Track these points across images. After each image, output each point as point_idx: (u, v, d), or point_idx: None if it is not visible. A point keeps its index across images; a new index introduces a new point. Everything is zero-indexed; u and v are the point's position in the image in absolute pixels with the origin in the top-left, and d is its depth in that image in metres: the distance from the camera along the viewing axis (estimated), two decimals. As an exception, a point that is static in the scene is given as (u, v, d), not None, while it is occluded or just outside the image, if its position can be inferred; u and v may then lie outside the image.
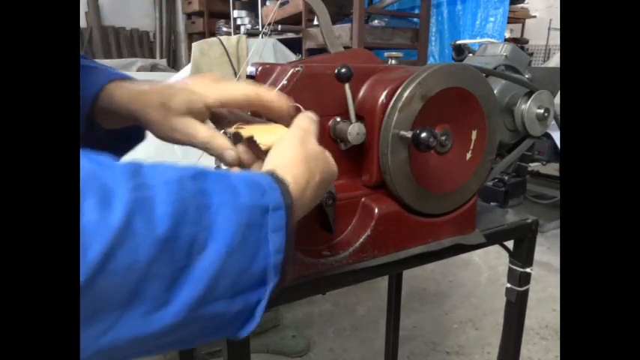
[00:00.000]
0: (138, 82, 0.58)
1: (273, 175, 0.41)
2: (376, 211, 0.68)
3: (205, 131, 0.52)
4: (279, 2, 2.99)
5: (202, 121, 0.53)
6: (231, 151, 0.51)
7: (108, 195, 0.30)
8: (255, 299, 0.38)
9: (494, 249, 1.01)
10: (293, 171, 0.44)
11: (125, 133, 0.61)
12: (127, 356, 0.34)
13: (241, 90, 0.53)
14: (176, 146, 0.59)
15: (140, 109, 0.54)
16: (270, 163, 0.46)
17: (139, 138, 0.63)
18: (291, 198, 0.41)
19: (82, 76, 0.58)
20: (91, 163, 0.32)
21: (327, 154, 0.52)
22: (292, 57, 2.38)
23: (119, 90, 0.57)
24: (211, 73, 0.56)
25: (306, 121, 0.53)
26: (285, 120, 0.55)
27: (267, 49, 2.20)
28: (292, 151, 0.47)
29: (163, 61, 4.39)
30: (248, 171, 0.43)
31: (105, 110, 0.57)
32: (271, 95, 0.53)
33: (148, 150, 0.63)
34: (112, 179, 0.31)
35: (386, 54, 0.77)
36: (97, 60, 0.66)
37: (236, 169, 0.51)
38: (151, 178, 0.33)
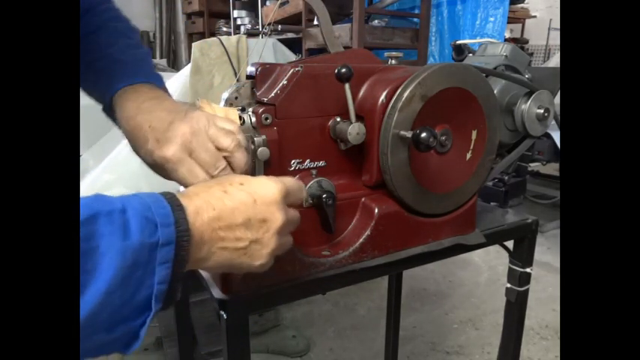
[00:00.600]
0: (138, 99, 0.62)
1: (171, 202, 0.42)
2: (376, 211, 0.68)
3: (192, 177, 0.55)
4: (279, 2, 2.99)
5: None
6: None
7: None
8: (139, 323, 0.40)
9: (494, 249, 1.01)
10: (200, 199, 0.45)
11: None
12: None
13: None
14: None
15: (133, 140, 0.60)
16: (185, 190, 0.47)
17: None
18: (186, 225, 0.42)
19: (110, 70, 0.65)
20: None
21: (251, 178, 0.50)
22: (292, 57, 2.38)
23: (124, 102, 0.62)
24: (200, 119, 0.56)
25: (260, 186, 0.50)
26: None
27: (267, 49, 2.19)
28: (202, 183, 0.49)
29: (163, 61, 4.39)
30: (151, 195, 0.43)
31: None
32: (227, 143, 0.55)
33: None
34: None
35: (386, 54, 0.77)
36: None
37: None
38: None
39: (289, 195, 0.51)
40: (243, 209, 0.46)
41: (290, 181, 0.52)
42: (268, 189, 0.48)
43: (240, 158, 0.55)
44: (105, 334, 0.38)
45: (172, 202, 0.43)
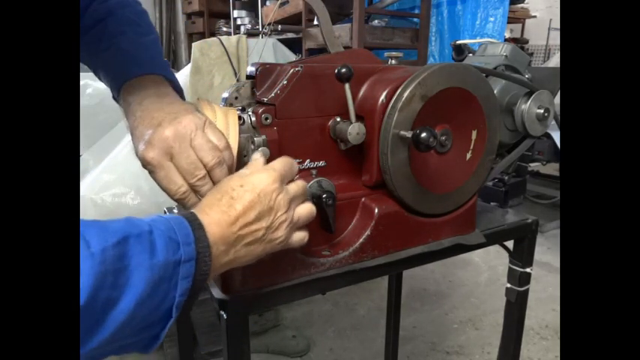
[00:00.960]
0: (141, 94, 0.62)
1: (192, 223, 0.47)
2: (376, 211, 0.68)
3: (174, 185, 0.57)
4: (279, 2, 2.99)
5: None
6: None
7: None
8: (161, 328, 0.45)
9: (494, 249, 1.01)
10: (207, 204, 0.51)
11: None
12: None
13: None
14: None
15: (132, 136, 0.60)
16: (199, 205, 0.52)
17: None
18: (207, 241, 0.47)
19: (117, 62, 0.66)
20: None
21: (245, 174, 0.54)
22: (292, 57, 2.38)
23: (128, 96, 0.63)
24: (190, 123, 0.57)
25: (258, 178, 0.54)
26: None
27: (267, 49, 2.20)
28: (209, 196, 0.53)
29: (163, 61, 4.38)
30: (174, 217, 0.47)
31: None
32: (208, 159, 0.56)
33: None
34: None
35: (386, 54, 0.77)
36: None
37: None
38: None
39: (283, 176, 0.55)
40: (252, 206, 0.51)
41: (280, 164, 0.56)
42: (264, 180, 0.53)
43: (219, 176, 0.56)
44: (131, 338, 0.43)
45: (193, 222, 0.47)
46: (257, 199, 0.51)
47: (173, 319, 0.45)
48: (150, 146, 0.55)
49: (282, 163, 0.56)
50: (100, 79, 0.72)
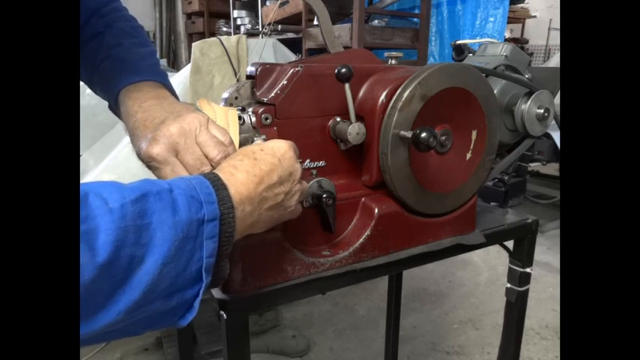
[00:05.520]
0: (140, 97, 0.63)
1: (214, 183, 0.46)
2: (376, 211, 0.68)
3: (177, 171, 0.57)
4: (279, 2, 2.99)
5: None
6: None
7: None
8: (193, 294, 0.44)
9: (494, 249, 1.01)
10: (232, 165, 0.50)
11: None
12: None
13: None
14: None
15: (131, 137, 0.61)
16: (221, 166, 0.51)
17: None
18: (230, 202, 0.46)
19: (115, 70, 0.66)
20: None
21: (264, 142, 0.55)
22: (292, 57, 2.38)
23: (127, 100, 0.63)
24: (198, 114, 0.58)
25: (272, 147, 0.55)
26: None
27: (267, 49, 2.20)
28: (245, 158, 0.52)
29: (163, 61, 4.39)
30: (195, 177, 0.46)
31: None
32: (214, 154, 0.56)
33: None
34: None
35: (386, 54, 0.77)
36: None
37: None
38: (96, 208, 0.37)
39: (295, 148, 0.56)
40: (274, 169, 0.52)
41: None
42: (283, 146, 0.54)
43: None
44: (163, 302, 0.42)
45: (216, 182, 0.46)
46: (278, 162, 0.52)
47: (205, 283, 0.44)
48: (155, 142, 0.55)
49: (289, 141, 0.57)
50: (96, 92, 0.72)
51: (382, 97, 0.66)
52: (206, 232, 0.43)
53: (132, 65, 0.67)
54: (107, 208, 0.37)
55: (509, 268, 0.91)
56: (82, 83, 0.73)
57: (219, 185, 0.46)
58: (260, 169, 0.50)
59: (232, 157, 0.53)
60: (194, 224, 0.42)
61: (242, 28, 3.64)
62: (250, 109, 0.63)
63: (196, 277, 0.43)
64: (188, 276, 0.43)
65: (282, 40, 2.46)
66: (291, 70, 0.64)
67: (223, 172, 0.49)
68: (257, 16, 3.59)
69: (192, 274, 0.43)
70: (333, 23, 0.86)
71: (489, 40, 1.10)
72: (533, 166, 3.37)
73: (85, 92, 1.81)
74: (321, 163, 0.68)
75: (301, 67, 0.64)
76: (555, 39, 4.99)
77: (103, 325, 0.38)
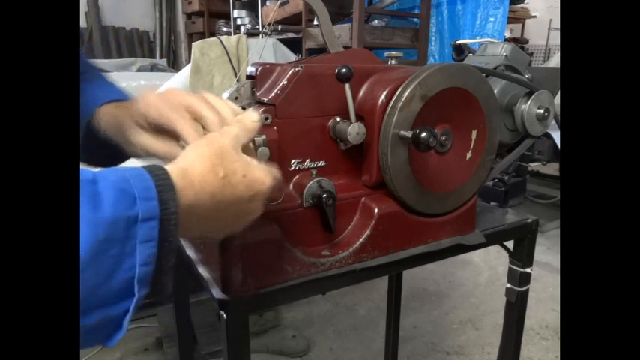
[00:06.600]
0: (122, 106, 0.61)
1: (157, 177, 0.38)
2: (376, 211, 0.68)
3: (162, 146, 0.56)
4: (279, 2, 2.99)
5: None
6: None
7: None
8: (121, 311, 0.36)
9: (494, 249, 1.01)
10: (194, 173, 0.42)
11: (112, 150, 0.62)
12: None
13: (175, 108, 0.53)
14: None
15: (114, 136, 0.59)
16: (173, 164, 0.43)
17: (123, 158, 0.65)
18: (176, 203, 0.38)
19: (87, 89, 0.63)
20: None
21: (252, 166, 0.47)
22: (292, 57, 2.38)
23: (105, 116, 0.61)
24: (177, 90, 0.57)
25: (234, 130, 0.49)
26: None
27: (267, 49, 2.20)
28: (200, 153, 0.44)
29: (163, 61, 4.39)
30: (132, 168, 0.39)
31: (99, 128, 0.61)
32: (205, 112, 0.52)
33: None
34: None
35: (386, 54, 0.77)
36: (98, 60, 0.70)
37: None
38: None
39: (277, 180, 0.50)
40: (239, 201, 0.46)
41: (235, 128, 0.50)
42: (266, 184, 0.48)
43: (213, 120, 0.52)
44: (85, 319, 0.34)
45: (158, 175, 0.39)
46: (247, 198, 0.46)
47: (136, 298, 0.36)
48: (144, 99, 0.56)
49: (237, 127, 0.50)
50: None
51: (382, 97, 0.66)
52: (140, 235, 0.35)
53: (104, 87, 0.66)
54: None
55: (509, 268, 0.91)
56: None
57: (160, 179, 0.38)
58: (223, 194, 0.43)
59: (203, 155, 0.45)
60: (122, 223, 0.35)
61: (242, 28, 3.64)
62: (250, 109, 0.63)
63: (126, 289, 0.36)
64: (114, 288, 0.35)
65: (282, 40, 2.46)
66: (291, 70, 0.64)
67: (177, 168, 0.41)
68: (257, 16, 3.59)
69: (119, 285, 0.35)
70: (333, 23, 0.86)
71: (489, 40, 1.10)
72: (533, 166, 3.37)
73: (85, 92, 1.80)
74: (321, 163, 0.68)
75: (301, 67, 0.64)
76: (555, 39, 4.99)
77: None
